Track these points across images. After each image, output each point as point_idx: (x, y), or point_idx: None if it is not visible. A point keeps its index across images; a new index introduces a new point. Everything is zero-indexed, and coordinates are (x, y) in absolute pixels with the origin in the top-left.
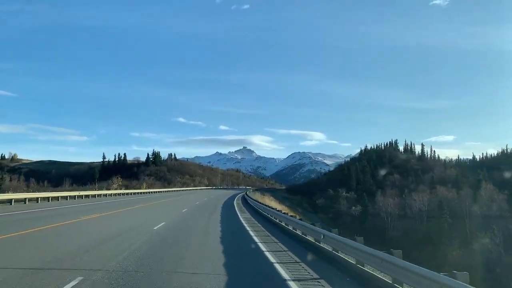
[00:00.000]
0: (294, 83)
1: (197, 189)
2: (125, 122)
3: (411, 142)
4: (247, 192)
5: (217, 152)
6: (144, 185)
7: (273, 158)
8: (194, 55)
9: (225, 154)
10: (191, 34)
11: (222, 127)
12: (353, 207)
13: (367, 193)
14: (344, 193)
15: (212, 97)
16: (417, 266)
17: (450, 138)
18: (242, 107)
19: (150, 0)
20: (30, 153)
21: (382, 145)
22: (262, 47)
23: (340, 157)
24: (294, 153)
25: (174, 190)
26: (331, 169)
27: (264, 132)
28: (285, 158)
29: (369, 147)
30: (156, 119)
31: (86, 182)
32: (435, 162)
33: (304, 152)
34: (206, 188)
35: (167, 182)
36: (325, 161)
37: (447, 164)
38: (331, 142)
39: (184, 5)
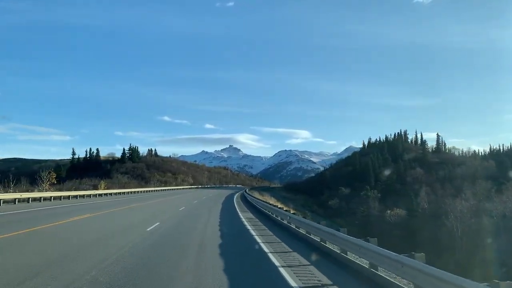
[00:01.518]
0: (280, 81)
1: (178, 189)
2: (109, 121)
3: (421, 134)
4: (246, 193)
5: (203, 150)
6: (102, 184)
7: (260, 156)
8: (178, 54)
9: (211, 153)
10: (176, 32)
11: (208, 126)
12: (389, 211)
13: (391, 191)
14: (364, 192)
15: (197, 96)
16: None
17: (433, 135)
18: (228, 105)
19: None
20: (8, 153)
21: (390, 137)
22: (248, 45)
23: (326, 154)
24: (281, 151)
25: (148, 191)
26: (318, 166)
27: (250, 131)
28: (272, 156)
29: (373, 140)
30: (141, 118)
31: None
32: (451, 155)
33: (290, 150)
34: (191, 188)
35: (145, 181)
36: (311, 158)
37: (476, 156)
38: (317, 140)
39: (168, 4)
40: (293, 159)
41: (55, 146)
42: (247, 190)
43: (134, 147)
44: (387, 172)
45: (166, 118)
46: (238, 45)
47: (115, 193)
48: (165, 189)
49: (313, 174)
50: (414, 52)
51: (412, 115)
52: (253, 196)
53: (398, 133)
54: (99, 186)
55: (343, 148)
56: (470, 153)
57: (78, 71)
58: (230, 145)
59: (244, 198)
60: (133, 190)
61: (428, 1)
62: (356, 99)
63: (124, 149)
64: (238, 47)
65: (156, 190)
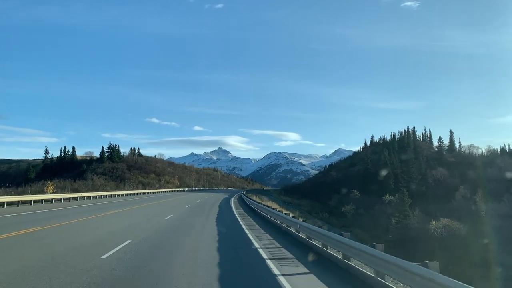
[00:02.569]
0: (269, 83)
1: (160, 192)
2: (97, 123)
3: (429, 131)
4: (246, 197)
5: (192, 153)
6: (50, 186)
7: (249, 158)
8: (167, 56)
9: (200, 155)
10: (164, 34)
11: (197, 128)
12: (433, 221)
13: (419, 195)
14: (388, 196)
15: (186, 98)
16: None
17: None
18: (217, 107)
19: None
20: None
21: (396, 135)
22: (237, 47)
23: (316, 157)
24: (270, 153)
25: (122, 195)
26: (307, 169)
27: (239, 133)
28: (261, 159)
29: (376, 139)
30: (129, 120)
31: (20, 183)
32: (467, 154)
33: (280, 153)
34: (175, 191)
35: (124, 183)
36: (301, 161)
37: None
38: (306, 143)
39: (157, 4)
40: (282, 161)
41: (42, 148)
42: (244, 193)
43: (114, 145)
44: (400, 173)
45: (154, 120)
46: (228, 47)
47: (77, 198)
48: (144, 193)
49: (302, 177)
50: (402, 56)
51: (401, 118)
52: (257, 202)
53: (405, 130)
54: (45, 188)
55: (332, 151)
56: (491, 152)
57: (65, 72)
58: (219, 147)
59: (246, 206)
60: (103, 194)
61: (416, 5)
62: (345, 102)
63: (103, 148)
64: (228, 49)
65: (134, 194)
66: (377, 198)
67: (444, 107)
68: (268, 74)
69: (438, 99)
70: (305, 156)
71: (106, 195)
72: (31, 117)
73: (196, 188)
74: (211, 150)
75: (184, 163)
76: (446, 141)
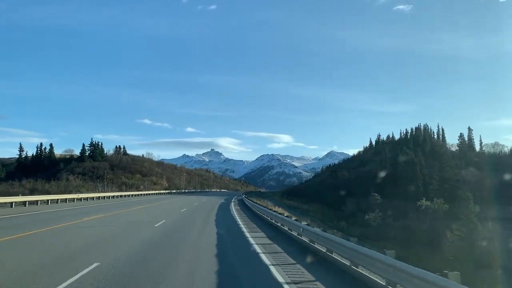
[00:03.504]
0: (262, 85)
1: (144, 194)
2: (88, 124)
3: (442, 129)
4: (249, 200)
5: (184, 154)
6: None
7: (242, 160)
8: (160, 56)
9: (192, 157)
10: (157, 34)
11: (189, 129)
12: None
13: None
14: (425, 201)
15: (178, 99)
16: None
17: None
18: (209, 109)
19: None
20: None
21: (408, 132)
22: (230, 49)
23: (308, 159)
24: (263, 155)
25: (99, 197)
26: (300, 171)
27: (231, 135)
28: (254, 161)
29: (384, 137)
30: (121, 121)
31: None
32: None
33: (272, 155)
34: (161, 194)
35: (103, 185)
36: (293, 163)
37: None
38: (299, 145)
39: (150, 5)
40: (275, 163)
41: (33, 149)
42: (245, 196)
43: (96, 142)
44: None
45: (146, 121)
46: (220, 48)
47: (47, 201)
48: (122, 195)
49: (295, 179)
50: (396, 59)
51: (395, 121)
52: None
53: (416, 127)
54: None
55: (324, 153)
56: None
57: (56, 73)
58: (211, 149)
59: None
60: (75, 196)
61: (408, 9)
62: (338, 104)
63: (84, 146)
64: (220, 51)
65: (112, 197)
66: (405, 203)
67: (438, 110)
68: (262, 76)
69: (431, 102)
70: (298, 158)
71: (81, 198)
72: (22, 118)
73: (186, 190)
74: (203, 152)
75: (176, 164)
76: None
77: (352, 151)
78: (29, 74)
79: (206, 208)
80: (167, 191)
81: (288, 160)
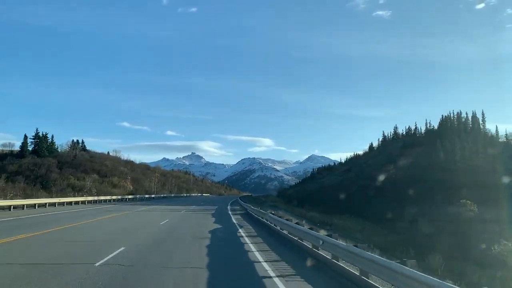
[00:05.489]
0: (242, 89)
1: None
2: (64, 126)
3: (482, 113)
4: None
5: (164, 158)
6: None
7: (223, 164)
8: (138, 59)
9: (172, 160)
10: (136, 36)
11: (169, 133)
12: None
13: None
14: None
15: (158, 102)
16: None
17: None
18: (190, 112)
19: (94, 0)
20: None
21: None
22: (210, 52)
23: (289, 162)
24: (244, 159)
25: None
26: (281, 174)
27: (212, 138)
28: (235, 164)
29: (401, 130)
30: (99, 123)
31: None
32: None
33: (254, 158)
34: (109, 201)
35: (47, 186)
36: (275, 166)
37: None
38: (280, 148)
39: (130, 7)
40: (256, 166)
41: None
42: (248, 205)
43: (44, 134)
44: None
45: (125, 124)
46: (201, 51)
47: None
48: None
49: (276, 182)
50: (375, 64)
51: (376, 126)
52: None
53: (447, 115)
54: None
55: (305, 157)
56: None
57: (32, 73)
58: (192, 153)
59: None
60: None
61: (387, 14)
62: (319, 109)
63: (25, 138)
64: (201, 54)
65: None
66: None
67: (416, 114)
68: (243, 80)
69: (410, 106)
70: (279, 162)
71: None
72: None
73: (154, 196)
74: (184, 155)
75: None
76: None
77: (333, 155)
78: (3, 75)
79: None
80: (130, 196)
81: (270, 164)
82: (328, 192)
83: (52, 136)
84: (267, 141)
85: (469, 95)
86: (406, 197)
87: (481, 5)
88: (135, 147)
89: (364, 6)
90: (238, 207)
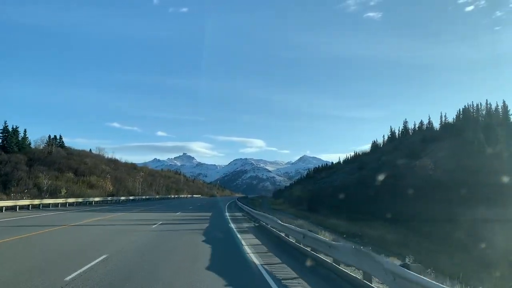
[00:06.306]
0: (235, 90)
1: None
2: (54, 126)
3: (503, 102)
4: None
5: (155, 158)
6: None
7: (214, 164)
8: (128, 59)
9: (163, 161)
10: (127, 36)
11: (160, 133)
12: None
13: None
14: None
15: (149, 102)
16: None
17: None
18: (181, 113)
19: (85, 0)
20: None
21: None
22: (201, 52)
23: (281, 163)
24: (236, 159)
25: None
26: (273, 175)
27: (204, 139)
28: (227, 165)
29: (411, 125)
30: (89, 124)
31: None
32: None
33: (246, 159)
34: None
35: (9, 186)
36: (266, 167)
37: None
38: (271, 149)
39: (120, 6)
40: (248, 167)
41: None
42: (256, 212)
43: (14, 128)
44: None
45: (115, 124)
46: (192, 51)
47: None
48: None
49: (268, 183)
50: (366, 65)
51: (367, 127)
52: None
53: (463, 108)
54: None
55: (296, 158)
56: None
57: (20, 72)
58: (183, 153)
59: None
60: None
61: (378, 16)
62: (310, 110)
63: None
64: (192, 54)
65: None
66: None
67: (408, 115)
68: (234, 81)
69: (400, 107)
70: (271, 163)
71: None
72: None
73: (137, 198)
74: (175, 156)
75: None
76: None
77: (325, 156)
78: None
79: None
80: (97, 198)
81: (262, 165)
82: (339, 193)
83: (25, 131)
84: (259, 142)
85: (459, 95)
86: (455, 198)
87: (471, 8)
88: (125, 147)
89: (354, 8)
90: (240, 214)
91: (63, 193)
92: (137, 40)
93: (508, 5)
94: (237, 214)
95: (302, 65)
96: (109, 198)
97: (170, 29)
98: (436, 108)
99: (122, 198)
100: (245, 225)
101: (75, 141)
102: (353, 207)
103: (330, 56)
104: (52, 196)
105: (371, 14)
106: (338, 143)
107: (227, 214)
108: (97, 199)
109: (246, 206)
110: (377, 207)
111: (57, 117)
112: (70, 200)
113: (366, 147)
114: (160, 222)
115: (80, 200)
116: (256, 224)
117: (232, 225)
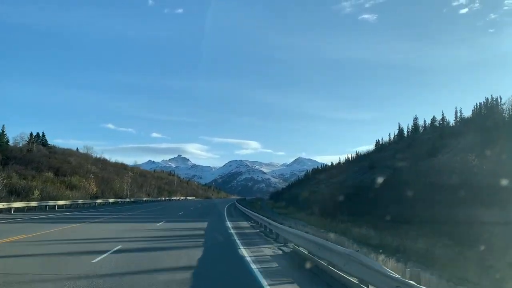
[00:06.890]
0: (230, 91)
1: None
2: (47, 126)
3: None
4: None
5: (149, 160)
6: None
7: (209, 166)
8: (123, 60)
9: (158, 163)
10: (122, 37)
11: (155, 135)
12: None
13: None
14: None
15: (143, 103)
16: None
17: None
18: (176, 114)
19: (80, 0)
20: None
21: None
22: (196, 53)
23: (276, 165)
24: (231, 161)
25: None
26: (268, 177)
27: (199, 140)
28: (222, 167)
29: (422, 122)
30: (83, 125)
31: None
32: None
33: (241, 161)
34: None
35: None
36: (262, 169)
37: None
38: (266, 151)
39: (115, 7)
40: (243, 169)
41: None
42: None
43: None
44: None
45: (110, 125)
46: (187, 52)
47: None
48: None
49: (263, 185)
50: (361, 67)
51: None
52: None
53: (480, 103)
54: None
55: (292, 159)
56: None
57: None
58: (178, 155)
59: None
60: None
61: (373, 18)
62: (305, 111)
63: None
64: (187, 55)
65: None
66: None
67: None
68: (230, 82)
69: (396, 109)
70: (266, 164)
71: None
72: None
73: (114, 201)
74: (170, 158)
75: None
76: None
77: (320, 158)
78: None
79: None
80: (81, 201)
81: (257, 166)
82: (353, 195)
83: (3, 127)
84: (254, 144)
85: (453, 96)
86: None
87: (465, 10)
88: (120, 149)
89: (350, 10)
90: (247, 224)
91: (36, 195)
92: (134, 41)
93: (502, 8)
94: (242, 224)
95: (297, 67)
96: (79, 201)
97: (165, 30)
98: (432, 108)
99: (99, 201)
100: (266, 250)
101: (69, 143)
102: (372, 210)
103: (326, 57)
104: (23, 198)
105: (366, 16)
106: (334, 145)
107: (229, 224)
108: (61, 202)
109: (253, 213)
110: (402, 210)
111: (54, 118)
112: (24, 204)
113: (364, 148)
114: (111, 251)
115: (50, 203)
116: (284, 247)
117: (245, 253)
